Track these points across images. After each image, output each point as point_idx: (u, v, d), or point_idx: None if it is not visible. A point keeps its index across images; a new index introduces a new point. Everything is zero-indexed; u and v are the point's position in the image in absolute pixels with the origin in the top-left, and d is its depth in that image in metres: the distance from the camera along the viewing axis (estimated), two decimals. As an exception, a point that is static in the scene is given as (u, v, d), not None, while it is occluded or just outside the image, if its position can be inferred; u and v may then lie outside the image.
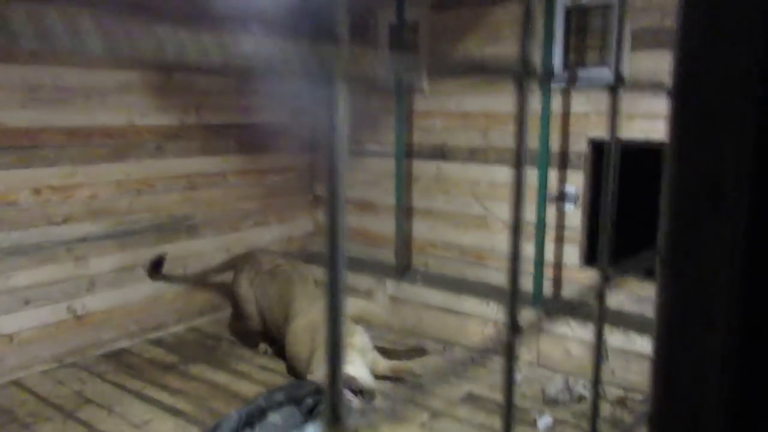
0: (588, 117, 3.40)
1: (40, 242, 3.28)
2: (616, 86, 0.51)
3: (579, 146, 3.44)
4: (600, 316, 0.61)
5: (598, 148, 3.43)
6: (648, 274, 3.29)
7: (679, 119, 0.56)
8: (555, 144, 3.46)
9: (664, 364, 0.64)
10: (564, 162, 3.49)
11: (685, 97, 0.54)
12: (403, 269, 4.01)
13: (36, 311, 3.29)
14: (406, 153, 4.02)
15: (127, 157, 3.61)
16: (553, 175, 3.46)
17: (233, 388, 3.13)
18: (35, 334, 3.29)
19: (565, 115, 3.46)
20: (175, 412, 2.88)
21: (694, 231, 0.59)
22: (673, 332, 0.63)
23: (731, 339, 0.59)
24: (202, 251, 3.98)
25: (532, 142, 3.41)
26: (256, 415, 2.39)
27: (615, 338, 3.08)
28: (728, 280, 0.57)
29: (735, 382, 0.60)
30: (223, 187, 4.13)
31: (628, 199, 2.81)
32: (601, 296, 0.60)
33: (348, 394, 2.69)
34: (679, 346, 0.63)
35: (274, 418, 2.35)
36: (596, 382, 0.61)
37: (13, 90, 3.12)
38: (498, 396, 2.95)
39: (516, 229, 0.42)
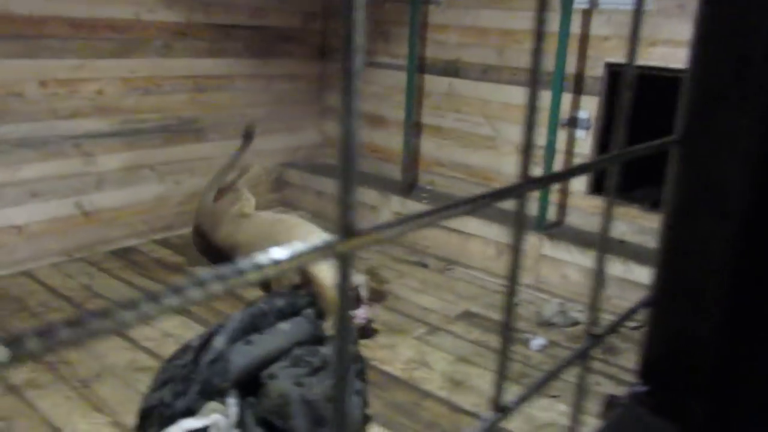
0: (608, 40, 3.30)
1: (47, 136, 3.26)
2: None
3: (596, 71, 3.37)
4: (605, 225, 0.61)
5: (615, 74, 3.36)
6: (653, 205, 3.31)
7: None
8: (571, 67, 3.38)
9: (672, 248, 0.63)
10: (579, 86, 3.42)
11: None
12: (409, 186, 4.02)
13: (44, 205, 3.31)
14: (418, 67, 3.93)
15: (133, 54, 3.52)
16: (566, 99, 3.40)
17: (238, 291, 3.20)
18: (44, 227, 3.33)
19: (584, 37, 3.36)
20: (181, 311, 2.96)
21: (715, 113, 0.58)
22: (684, 216, 0.62)
23: (742, 228, 0.58)
24: (208, 155, 3.97)
25: (548, 63, 3.32)
26: (258, 317, 2.45)
27: (614, 267, 3.13)
28: (745, 166, 0.55)
29: (741, 270, 0.59)
30: (231, 91, 4.06)
31: (643, 128, 2.78)
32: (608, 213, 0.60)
33: (357, 313, 2.69)
34: (689, 231, 0.63)
35: (284, 326, 2.42)
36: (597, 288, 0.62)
37: (16, -25, 3.00)
38: (494, 315, 3.04)
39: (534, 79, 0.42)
